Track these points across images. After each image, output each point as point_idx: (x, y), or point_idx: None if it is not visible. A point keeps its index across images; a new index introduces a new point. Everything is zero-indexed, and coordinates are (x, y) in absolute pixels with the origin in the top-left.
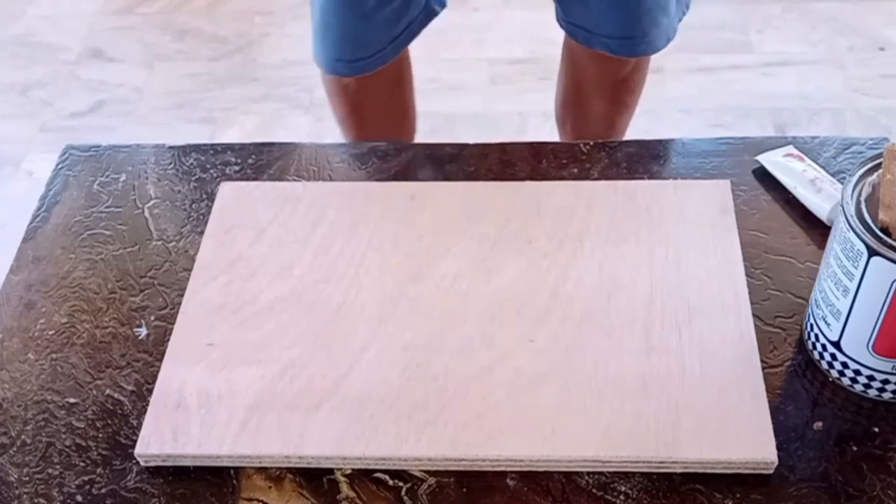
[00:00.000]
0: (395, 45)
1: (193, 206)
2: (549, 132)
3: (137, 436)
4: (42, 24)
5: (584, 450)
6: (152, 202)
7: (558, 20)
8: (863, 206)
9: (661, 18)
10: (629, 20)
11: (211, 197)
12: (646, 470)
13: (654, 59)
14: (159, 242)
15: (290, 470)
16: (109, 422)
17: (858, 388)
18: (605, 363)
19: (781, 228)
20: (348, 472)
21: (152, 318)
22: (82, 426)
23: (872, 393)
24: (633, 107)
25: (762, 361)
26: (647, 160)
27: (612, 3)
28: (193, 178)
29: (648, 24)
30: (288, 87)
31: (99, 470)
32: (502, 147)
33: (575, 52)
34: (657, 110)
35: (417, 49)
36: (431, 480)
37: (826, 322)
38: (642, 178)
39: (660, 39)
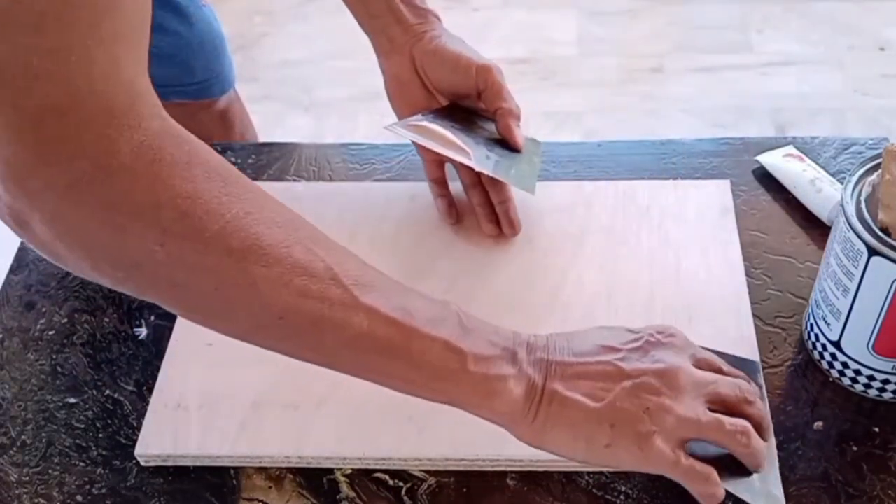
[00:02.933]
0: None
1: None
2: (549, 132)
3: (137, 436)
4: None
5: None
6: None
7: None
8: (863, 205)
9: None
10: None
11: None
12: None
13: (655, 59)
14: None
15: (290, 470)
16: (109, 422)
17: (858, 387)
18: None
19: (781, 228)
20: (348, 471)
21: (152, 317)
22: (82, 426)
23: (872, 393)
24: None
25: (762, 361)
26: (648, 160)
27: None
28: None
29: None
30: (288, 87)
31: (99, 470)
32: None
33: None
34: (657, 110)
35: None
36: (431, 480)
37: (826, 322)
38: (642, 178)
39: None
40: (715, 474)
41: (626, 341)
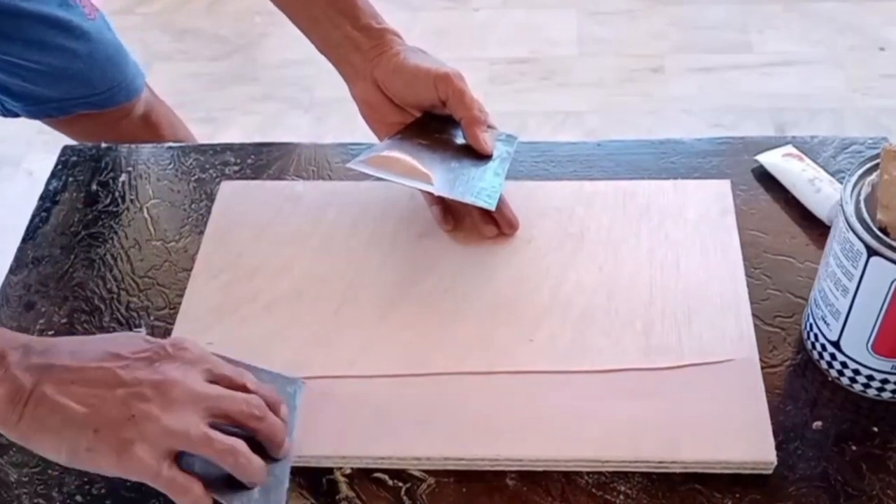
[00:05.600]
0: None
1: (193, 205)
2: (549, 132)
3: None
4: None
5: (583, 450)
6: (152, 202)
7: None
8: (862, 205)
9: None
10: None
11: (210, 197)
12: (645, 470)
13: (655, 59)
14: (159, 242)
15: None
16: None
17: (858, 387)
18: (604, 363)
19: (781, 228)
20: (348, 471)
21: (152, 318)
22: None
23: (872, 392)
24: None
25: (762, 361)
26: (648, 160)
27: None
28: (193, 178)
29: None
30: (288, 87)
31: None
32: None
33: None
34: (657, 110)
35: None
36: (431, 480)
37: (825, 322)
38: (642, 178)
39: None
40: (198, 487)
41: (135, 350)
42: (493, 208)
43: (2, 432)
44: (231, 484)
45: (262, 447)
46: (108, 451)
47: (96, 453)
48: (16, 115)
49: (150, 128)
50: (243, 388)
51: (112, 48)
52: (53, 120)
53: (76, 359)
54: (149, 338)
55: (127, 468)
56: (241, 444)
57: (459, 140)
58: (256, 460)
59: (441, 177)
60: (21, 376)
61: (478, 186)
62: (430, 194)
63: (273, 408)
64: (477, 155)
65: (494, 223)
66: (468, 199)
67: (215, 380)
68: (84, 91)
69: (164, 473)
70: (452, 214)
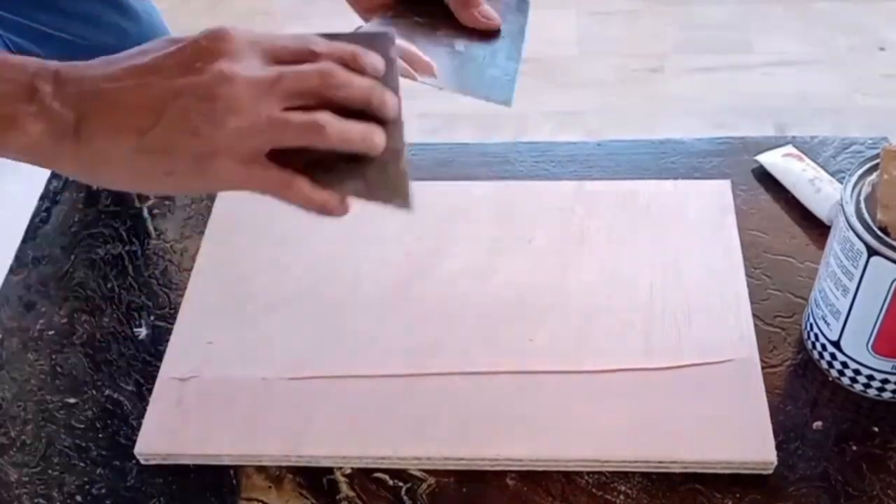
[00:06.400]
0: None
1: (193, 205)
2: (549, 132)
3: (137, 436)
4: None
5: (583, 450)
6: (152, 202)
7: None
8: (862, 205)
9: None
10: None
11: (211, 196)
12: (645, 470)
13: (655, 59)
14: (159, 242)
15: (289, 469)
16: (109, 422)
17: (858, 387)
18: (604, 363)
19: (781, 228)
20: (348, 471)
21: (152, 317)
22: (82, 426)
23: (872, 392)
24: None
25: (762, 361)
26: (648, 160)
27: None
28: None
29: None
30: None
31: (99, 470)
32: (502, 147)
33: None
34: (657, 110)
35: None
36: (431, 480)
37: (826, 322)
38: (642, 178)
39: None
40: (302, 180)
41: (168, 55)
42: (510, 105)
43: (54, 167)
44: (335, 171)
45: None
46: (188, 172)
47: (177, 176)
48: None
49: None
50: (312, 56)
51: (161, 31)
52: None
53: (110, 79)
54: (175, 38)
55: (215, 183)
56: (322, 115)
57: (457, 22)
58: (353, 123)
59: (446, 64)
60: (58, 108)
61: (488, 74)
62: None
63: (356, 65)
64: (483, 31)
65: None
66: (480, 97)
67: (275, 56)
68: None
69: (257, 174)
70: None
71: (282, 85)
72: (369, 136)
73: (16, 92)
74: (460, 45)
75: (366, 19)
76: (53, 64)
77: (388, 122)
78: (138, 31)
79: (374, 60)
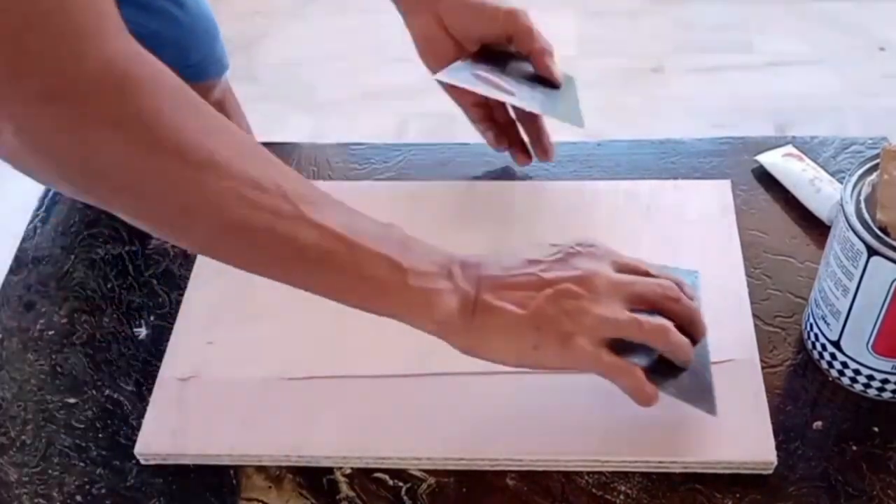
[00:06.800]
0: None
1: None
2: (549, 132)
3: (137, 436)
4: None
5: (583, 450)
6: None
7: None
8: (862, 205)
9: None
10: None
11: None
12: (645, 470)
13: (655, 59)
14: (159, 242)
15: (289, 470)
16: (109, 422)
17: (858, 387)
18: None
19: (781, 228)
20: (348, 471)
21: (152, 317)
22: (82, 426)
23: (872, 392)
24: None
25: (762, 361)
26: (648, 160)
27: None
28: None
29: None
30: (288, 87)
31: (98, 470)
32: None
33: None
34: (657, 110)
35: None
36: (431, 480)
37: (826, 322)
38: (642, 178)
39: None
40: (639, 371)
41: (548, 254)
42: (582, 125)
43: (449, 340)
44: (660, 373)
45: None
46: (552, 346)
47: (542, 349)
48: None
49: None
50: (647, 275)
51: (208, 21)
52: None
53: (502, 268)
54: (555, 242)
55: (571, 359)
56: (668, 322)
57: (523, 72)
58: (684, 338)
59: (521, 93)
60: (466, 287)
61: (560, 108)
62: (485, 121)
63: (683, 290)
64: (546, 85)
65: (526, 153)
66: (557, 117)
67: (620, 269)
68: (179, 60)
69: (605, 359)
70: (506, 137)
71: (634, 288)
72: (690, 349)
73: (438, 272)
74: (530, 88)
75: (433, 71)
76: (458, 255)
77: (696, 341)
78: (187, 18)
79: (691, 291)
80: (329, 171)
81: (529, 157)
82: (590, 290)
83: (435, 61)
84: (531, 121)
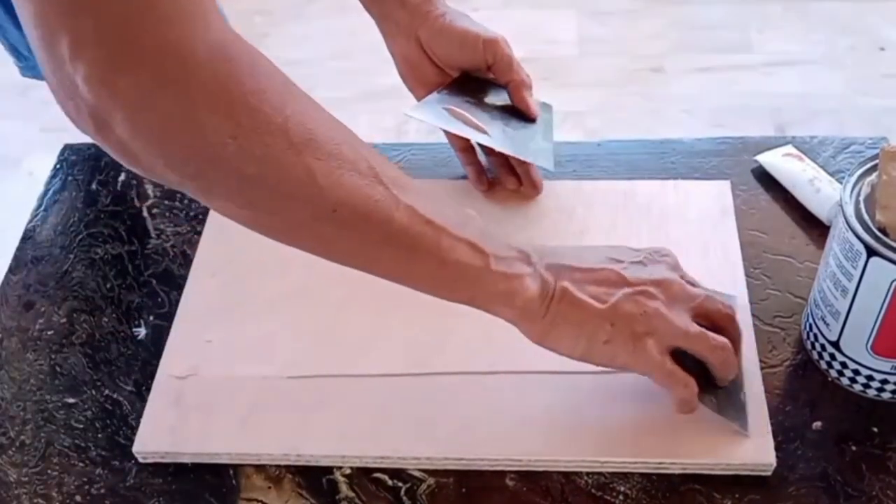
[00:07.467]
0: None
1: (192, 204)
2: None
3: (136, 435)
4: None
5: (583, 450)
6: (151, 201)
7: None
8: (862, 206)
9: None
10: None
11: None
12: (644, 470)
13: (655, 59)
14: (158, 241)
15: (289, 470)
16: (108, 422)
17: (857, 387)
18: None
19: (781, 228)
20: (347, 471)
21: (151, 317)
22: (81, 426)
23: (871, 393)
24: None
25: (761, 361)
26: (648, 160)
27: None
28: None
29: None
30: None
31: (98, 470)
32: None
33: None
34: (657, 110)
35: None
36: (430, 480)
37: (825, 322)
38: (642, 178)
39: None
40: (695, 384)
41: (629, 255)
42: (551, 168)
43: (522, 327)
44: (698, 383)
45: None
46: (623, 343)
47: (612, 345)
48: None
49: None
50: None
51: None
52: None
53: (582, 261)
54: (634, 247)
55: (638, 359)
56: (728, 342)
57: (500, 102)
58: (735, 359)
59: (497, 133)
60: (545, 274)
61: (531, 147)
62: (467, 153)
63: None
64: (521, 118)
65: (517, 177)
66: (528, 158)
67: (689, 283)
68: None
69: (668, 366)
70: (487, 177)
71: (704, 302)
72: (737, 369)
73: (519, 257)
74: (504, 123)
75: (418, 97)
76: (536, 244)
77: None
78: None
79: (742, 320)
80: None
81: (519, 179)
82: (667, 297)
83: (416, 84)
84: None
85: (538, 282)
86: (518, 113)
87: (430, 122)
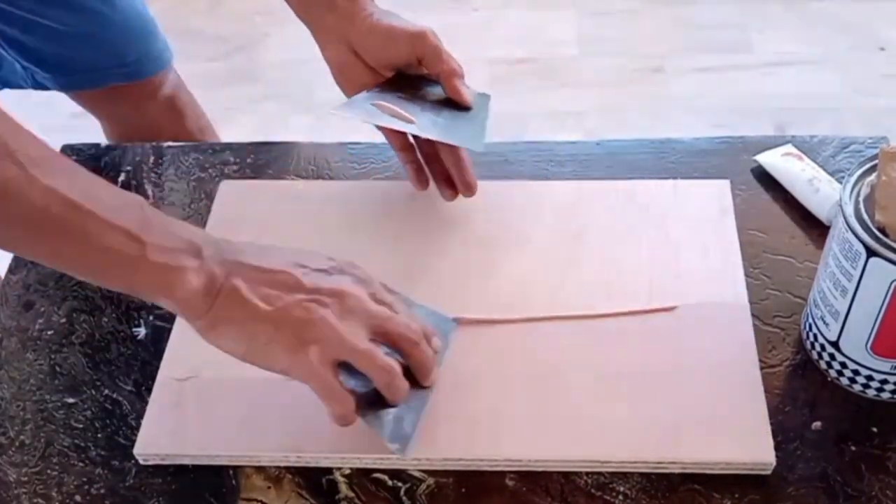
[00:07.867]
0: None
1: (192, 205)
2: (549, 132)
3: (136, 436)
4: None
5: (583, 450)
6: (151, 201)
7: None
8: (861, 206)
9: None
10: None
11: (210, 196)
12: (644, 470)
13: (655, 59)
14: None
15: (288, 470)
16: (108, 422)
17: (857, 387)
18: (604, 363)
19: (780, 228)
20: (347, 472)
21: (151, 317)
22: (81, 426)
23: (871, 393)
24: None
25: (761, 361)
26: (647, 160)
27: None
28: (192, 178)
29: None
30: (288, 87)
31: (98, 470)
32: (502, 147)
33: None
34: (657, 110)
35: None
36: (430, 480)
37: (825, 322)
38: (642, 178)
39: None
40: (351, 402)
41: (315, 262)
42: (480, 150)
43: (189, 321)
44: (368, 400)
45: (409, 373)
46: (284, 347)
47: (273, 346)
48: (45, 88)
49: (175, 115)
50: (396, 314)
51: (143, 20)
52: (85, 97)
53: (263, 261)
54: (328, 255)
55: (297, 367)
56: (397, 366)
57: (434, 97)
58: (405, 384)
59: (425, 122)
60: (216, 269)
61: (460, 133)
62: (406, 151)
63: (427, 339)
64: (456, 108)
65: (453, 188)
66: (454, 141)
67: (378, 302)
68: (115, 60)
69: (328, 379)
70: (426, 176)
71: (381, 321)
72: (404, 395)
73: (187, 249)
74: (435, 114)
75: (349, 95)
76: (220, 238)
77: (423, 384)
78: (120, 17)
79: (438, 343)
80: (328, 171)
81: (455, 191)
82: (340, 307)
83: (350, 88)
84: (452, 153)
85: (203, 277)
86: (453, 104)
87: (355, 117)
